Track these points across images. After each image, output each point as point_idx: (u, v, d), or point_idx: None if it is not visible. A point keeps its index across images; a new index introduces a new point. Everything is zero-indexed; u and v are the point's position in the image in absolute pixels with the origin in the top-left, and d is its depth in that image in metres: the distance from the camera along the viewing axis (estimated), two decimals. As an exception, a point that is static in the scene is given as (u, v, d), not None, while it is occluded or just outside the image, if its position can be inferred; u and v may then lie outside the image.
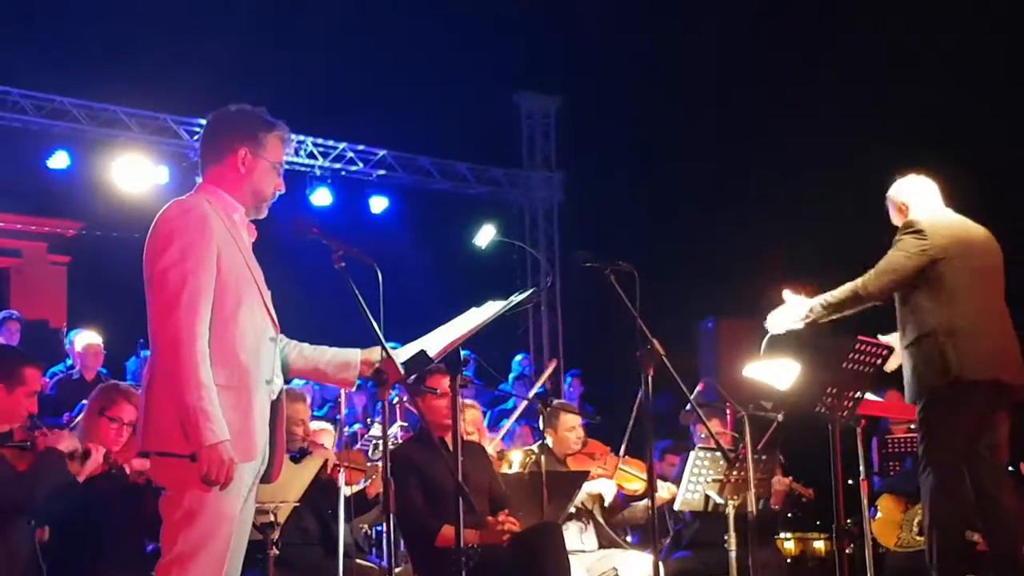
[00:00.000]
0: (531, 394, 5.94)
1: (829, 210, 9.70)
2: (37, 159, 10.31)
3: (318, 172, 11.55)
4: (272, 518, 4.33)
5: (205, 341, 3.01)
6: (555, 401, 6.44)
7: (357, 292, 3.28)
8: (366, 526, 5.80)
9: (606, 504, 5.78)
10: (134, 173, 10.15)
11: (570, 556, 4.66)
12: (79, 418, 5.01)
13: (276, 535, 4.36)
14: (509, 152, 13.34)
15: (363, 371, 3.38)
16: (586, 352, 12.03)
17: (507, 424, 7.34)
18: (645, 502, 5.59)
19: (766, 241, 9.99)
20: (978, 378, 4.53)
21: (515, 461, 5.78)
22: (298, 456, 4.60)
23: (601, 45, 11.89)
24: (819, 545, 8.26)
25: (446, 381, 4.45)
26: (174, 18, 10.85)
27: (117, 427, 4.40)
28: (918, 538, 6.46)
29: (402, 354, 3.46)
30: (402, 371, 3.37)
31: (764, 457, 5.46)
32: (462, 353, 3.71)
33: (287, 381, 3.44)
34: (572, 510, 5.52)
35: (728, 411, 5.93)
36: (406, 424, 6.59)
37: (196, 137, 10.21)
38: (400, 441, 5.84)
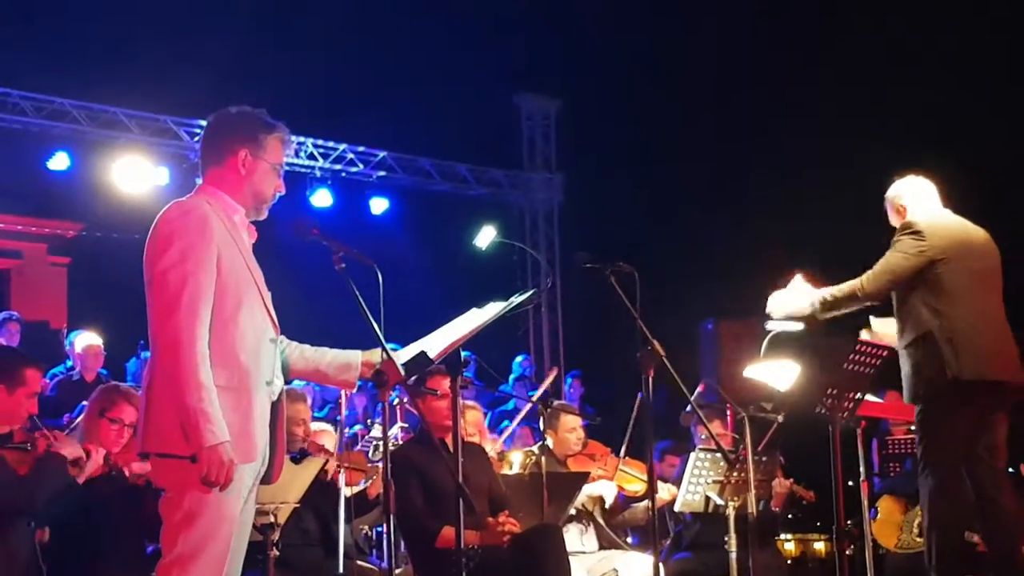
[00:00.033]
0: (535, 398, 5.93)
1: (829, 210, 9.70)
2: (37, 160, 10.31)
3: (318, 173, 11.56)
4: (272, 519, 4.33)
5: (205, 342, 3.02)
6: (555, 402, 6.44)
7: (357, 293, 3.28)
8: (366, 527, 5.80)
9: (607, 507, 5.78)
10: (134, 174, 10.15)
11: (570, 557, 4.66)
12: (79, 419, 5.01)
13: (276, 536, 4.36)
14: (509, 153, 13.36)
15: (364, 372, 3.39)
16: (586, 353, 12.03)
17: (510, 427, 7.34)
18: (645, 503, 5.59)
19: (766, 241, 9.97)
20: (976, 379, 4.53)
21: (515, 462, 5.78)
22: (298, 457, 4.60)
23: (601, 47, 11.89)
24: (819, 546, 8.25)
25: (446, 382, 4.45)
26: (174, 19, 10.85)
27: (117, 428, 4.39)
28: (918, 539, 6.46)
29: (402, 355, 3.46)
30: (402, 372, 3.37)
31: (764, 458, 5.47)
32: (462, 354, 3.71)
33: (287, 382, 3.44)
34: (572, 512, 5.52)
35: (728, 412, 5.93)
36: (406, 425, 6.59)
37: (196, 138, 10.21)
38: (400, 442, 5.84)
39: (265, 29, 11.24)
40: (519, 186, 13.29)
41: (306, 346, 3.41)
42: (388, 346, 3.31)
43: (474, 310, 3.68)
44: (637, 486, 5.90)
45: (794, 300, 4.87)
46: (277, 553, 4.36)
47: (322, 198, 11.46)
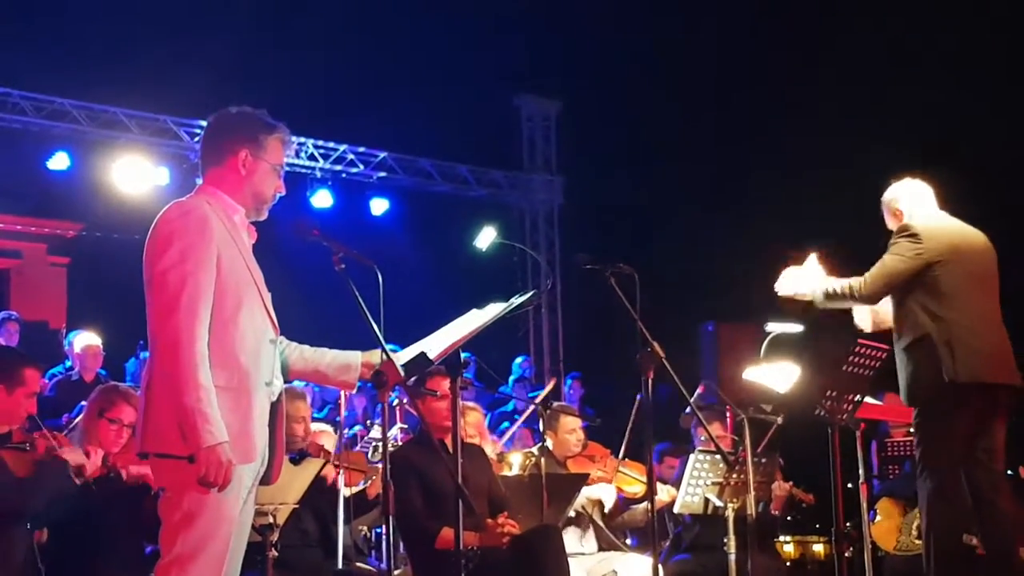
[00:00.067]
0: (538, 399, 5.93)
1: (829, 212, 9.69)
2: (37, 160, 10.31)
3: (319, 174, 11.56)
4: (271, 520, 4.33)
5: (204, 343, 3.01)
6: (555, 403, 6.44)
7: (357, 294, 3.28)
8: (365, 528, 5.80)
9: (606, 511, 5.78)
10: (134, 174, 10.14)
11: (569, 559, 4.66)
12: (78, 419, 5.01)
13: (275, 537, 4.36)
14: (510, 155, 13.36)
15: (363, 373, 3.39)
16: (586, 354, 12.02)
17: (512, 429, 7.34)
18: (645, 505, 5.59)
19: (766, 243, 9.97)
20: (973, 381, 4.54)
21: (515, 463, 5.77)
22: (297, 458, 4.60)
23: (601, 48, 11.89)
24: (819, 548, 8.24)
25: (446, 383, 4.45)
26: (174, 19, 10.85)
27: (117, 428, 4.39)
28: (917, 542, 6.46)
29: (402, 356, 3.46)
30: (402, 373, 3.37)
31: (763, 460, 5.47)
32: (462, 355, 3.71)
33: (287, 383, 3.44)
34: (572, 514, 5.52)
35: (728, 414, 5.94)
36: (406, 426, 6.59)
37: (196, 139, 10.22)
38: (400, 443, 5.84)
39: (265, 29, 11.24)
40: (519, 187, 13.30)
41: (306, 347, 3.41)
42: (388, 347, 3.31)
43: (474, 311, 3.68)
44: (636, 488, 5.90)
45: (803, 281, 4.87)
46: (276, 554, 4.36)
47: (322, 199, 11.46)
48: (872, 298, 4.74)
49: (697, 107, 11.79)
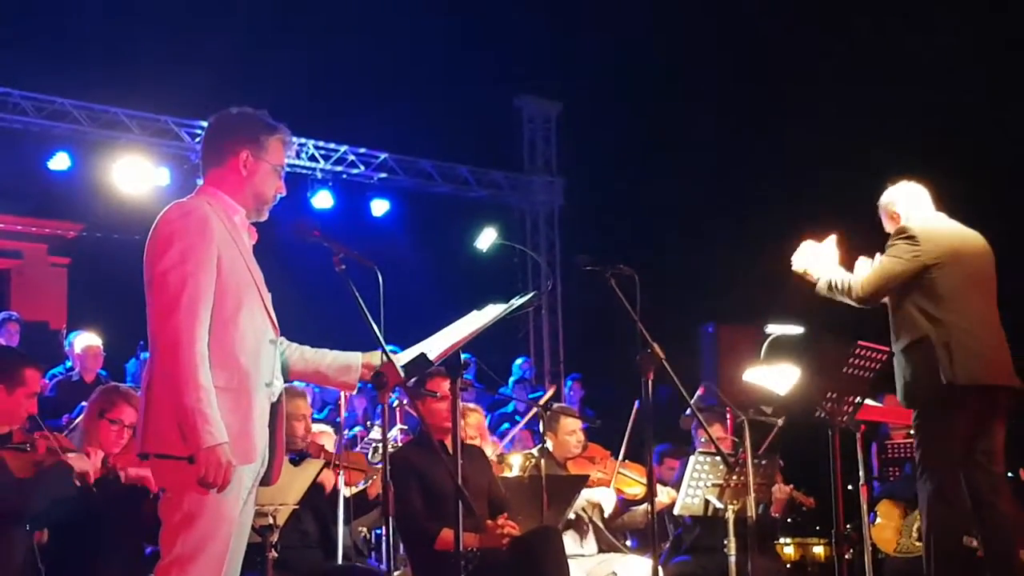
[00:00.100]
0: (542, 402, 5.93)
1: (830, 214, 9.69)
2: (38, 160, 10.31)
3: (319, 175, 11.56)
4: (271, 521, 4.33)
5: (204, 343, 3.01)
6: (555, 405, 6.44)
7: (357, 295, 3.28)
8: (365, 529, 5.80)
9: (606, 515, 5.78)
10: (135, 175, 10.15)
11: (569, 560, 4.66)
12: (79, 420, 5.01)
13: (275, 538, 4.36)
14: (510, 156, 13.37)
15: (364, 374, 3.39)
16: (586, 356, 12.03)
17: (514, 431, 7.34)
18: (645, 507, 5.59)
19: (766, 244, 9.97)
20: (971, 383, 4.54)
21: (515, 465, 5.77)
22: (297, 459, 4.60)
23: (602, 50, 11.89)
24: (819, 550, 8.26)
25: (446, 384, 4.45)
26: (175, 20, 10.85)
27: (117, 429, 4.39)
28: (917, 543, 6.46)
29: (402, 358, 3.46)
30: (402, 374, 3.37)
31: (764, 462, 5.46)
32: (462, 356, 3.71)
33: (287, 383, 3.44)
34: (572, 516, 5.52)
35: (728, 416, 5.94)
36: (406, 427, 6.59)
37: (197, 139, 10.22)
38: (400, 444, 5.84)
39: (266, 30, 11.24)
40: (520, 188, 13.30)
41: (306, 347, 3.41)
42: (388, 348, 3.31)
43: (474, 312, 3.68)
44: (636, 489, 5.90)
45: (816, 263, 4.87)
46: (276, 555, 4.36)
47: (323, 199, 11.47)
48: (868, 300, 4.75)
49: (697, 110, 11.80)
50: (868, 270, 4.85)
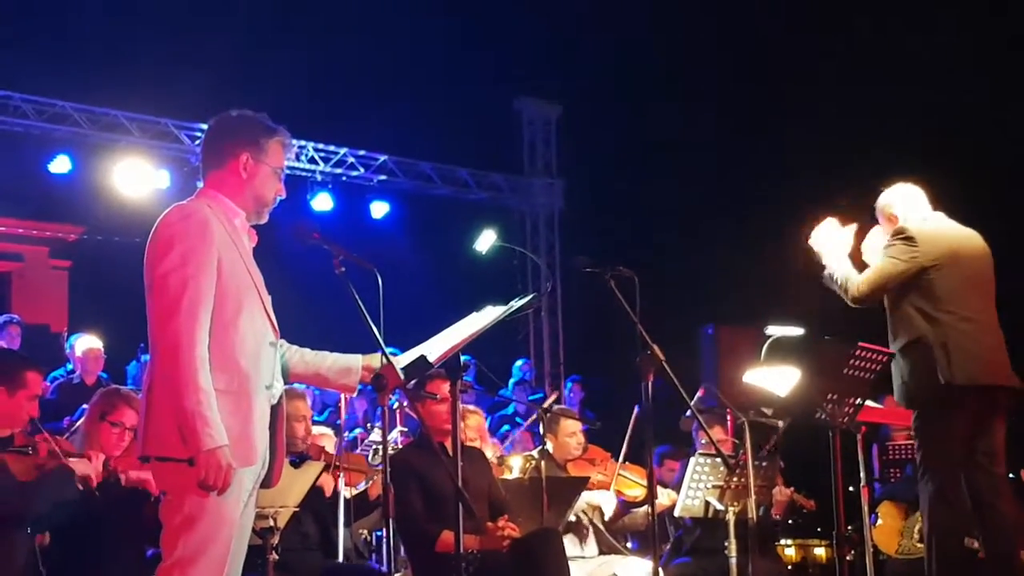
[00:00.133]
0: (546, 404, 5.93)
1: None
2: (38, 163, 10.32)
3: (319, 177, 11.56)
4: (272, 523, 4.33)
5: (205, 346, 3.02)
6: (555, 407, 6.44)
7: (357, 297, 3.28)
8: (366, 531, 5.80)
9: (606, 517, 5.78)
10: (135, 177, 10.16)
11: (570, 562, 4.66)
12: (80, 423, 5.01)
13: (276, 540, 4.36)
14: (510, 158, 13.37)
15: (364, 376, 3.39)
16: (586, 357, 12.02)
17: (515, 434, 7.34)
18: (645, 508, 5.59)
19: (766, 246, 9.98)
20: (969, 383, 4.55)
21: (515, 467, 5.77)
22: (297, 461, 4.60)
23: (602, 51, 11.90)
24: (820, 552, 8.25)
25: (446, 386, 4.46)
26: (175, 22, 10.86)
27: (118, 432, 4.40)
28: (919, 545, 6.46)
29: (402, 360, 3.46)
30: (402, 376, 3.37)
31: (764, 464, 5.46)
32: (462, 358, 3.71)
33: (287, 385, 3.44)
34: (572, 519, 5.52)
35: (729, 417, 5.93)
36: (406, 429, 6.59)
37: (197, 142, 10.22)
38: (400, 446, 5.84)
39: (265, 33, 11.25)
40: (520, 190, 13.31)
41: (306, 350, 3.41)
42: (388, 350, 3.32)
43: (474, 314, 3.68)
44: (637, 491, 5.90)
45: (829, 249, 4.88)
46: (276, 557, 4.36)
47: (323, 202, 11.47)
48: (863, 300, 4.76)
49: (697, 113, 11.81)
50: (874, 256, 4.85)
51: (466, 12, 11.55)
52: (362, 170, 11.90)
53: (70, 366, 8.50)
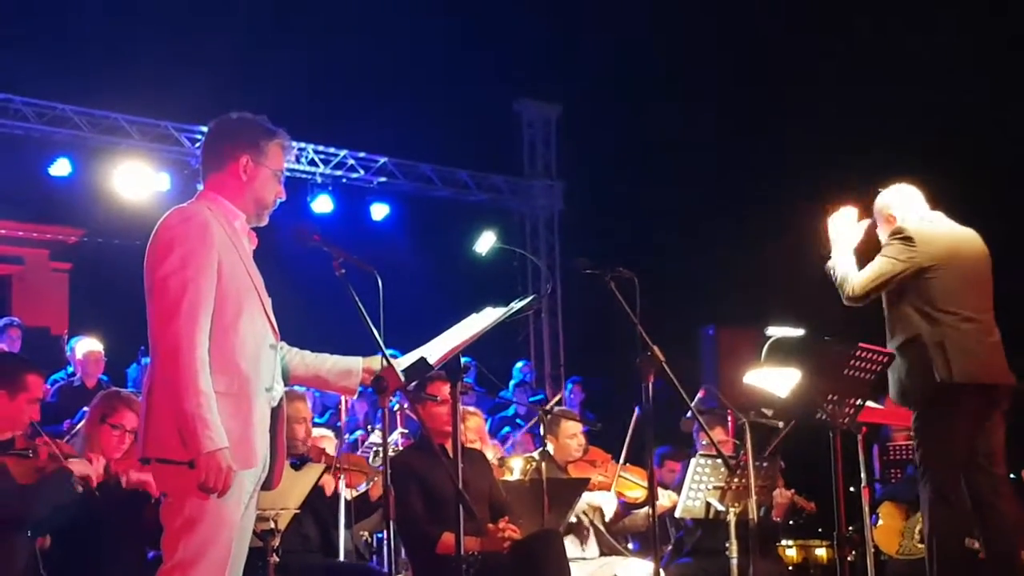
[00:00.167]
0: (548, 406, 5.94)
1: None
2: (39, 166, 10.32)
3: (319, 179, 11.57)
4: (272, 525, 4.33)
5: (205, 349, 3.02)
6: (556, 408, 6.44)
7: (357, 299, 3.29)
8: (366, 533, 5.80)
9: (607, 518, 5.78)
10: (135, 180, 10.16)
11: (571, 563, 4.66)
12: (80, 425, 5.01)
13: (276, 542, 4.36)
14: (510, 160, 13.37)
15: (364, 379, 3.39)
16: (587, 359, 12.02)
17: (516, 436, 7.34)
18: (646, 510, 5.59)
19: (766, 247, 9.98)
20: (969, 382, 4.55)
21: (516, 468, 5.77)
22: (298, 463, 4.60)
23: (602, 53, 11.90)
24: (821, 553, 8.25)
25: (446, 388, 4.46)
26: (175, 25, 10.87)
27: (119, 434, 4.40)
28: (920, 546, 6.46)
29: (403, 362, 3.47)
30: (402, 378, 3.37)
31: (765, 464, 5.46)
32: (462, 360, 3.71)
33: (288, 388, 3.44)
34: (573, 520, 5.52)
35: (730, 418, 5.94)
36: (407, 431, 6.59)
37: (197, 144, 10.22)
38: (400, 448, 5.84)
39: (265, 35, 11.25)
40: (520, 192, 13.31)
41: (307, 352, 3.42)
42: (388, 352, 3.32)
43: (473, 316, 3.68)
44: (637, 493, 5.90)
45: (839, 239, 4.87)
46: (277, 559, 4.36)
47: (323, 204, 11.47)
48: (859, 299, 4.76)
49: (697, 114, 11.81)
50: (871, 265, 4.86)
51: (465, 13, 11.55)
52: (362, 172, 11.91)
53: (70, 369, 8.51)
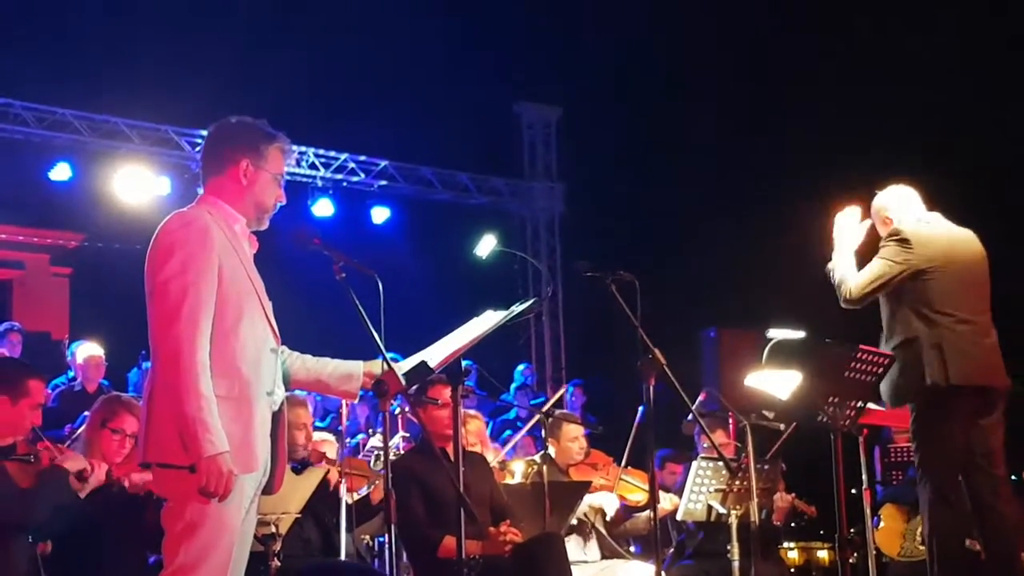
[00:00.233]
0: (545, 408, 5.93)
1: (830, 217, 9.69)
2: (39, 171, 10.32)
3: (319, 183, 11.57)
4: (273, 529, 4.32)
5: (206, 353, 3.02)
6: (557, 411, 6.43)
7: (358, 303, 3.28)
8: (368, 537, 5.79)
9: (608, 519, 5.77)
10: (135, 184, 10.16)
11: (572, 566, 4.65)
12: (81, 430, 5.01)
13: (278, 546, 4.35)
14: (510, 162, 13.37)
15: (365, 382, 3.39)
16: (588, 361, 12.02)
17: (516, 438, 7.33)
18: (647, 513, 5.58)
19: (767, 249, 9.99)
20: (966, 383, 4.55)
21: (517, 471, 5.77)
22: (299, 467, 4.59)
23: (602, 55, 11.91)
24: (823, 555, 8.25)
25: (447, 391, 4.44)
26: (175, 29, 10.88)
27: (119, 439, 4.39)
28: (921, 547, 6.44)
29: (403, 366, 3.47)
30: (403, 382, 3.37)
31: (766, 467, 5.46)
32: (463, 363, 3.71)
33: (288, 392, 3.44)
34: (574, 522, 5.51)
35: (731, 421, 5.93)
36: (408, 435, 6.58)
37: (197, 148, 10.21)
38: (402, 452, 5.84)
39: (265, 39, 11.26)
40: (520, 195, 13.30)
41: (307, 356, 3.41)
42: (389, 356, 3.32)
43: (475, 319, 3.68)
44: (639, 495, 5.90)
45: (843, 236, 4.86)
46: (278, 563, 4.35)
47: (323, 207, 11.47)
48: (856, 302, 4.76)
49: (698, 116, 11.82)
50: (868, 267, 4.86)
51: (465, 14, 11.56)
52: (362, 175, 11.91)
53: (71, 373, 8.49)
